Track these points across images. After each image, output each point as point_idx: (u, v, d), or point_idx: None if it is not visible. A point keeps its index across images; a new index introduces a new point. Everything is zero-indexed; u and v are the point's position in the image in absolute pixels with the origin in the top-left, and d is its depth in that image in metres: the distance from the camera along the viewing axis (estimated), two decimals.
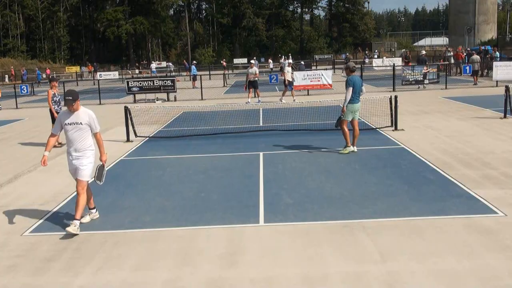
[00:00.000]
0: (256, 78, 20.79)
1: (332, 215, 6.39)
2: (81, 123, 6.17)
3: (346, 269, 4.84)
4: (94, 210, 6.64)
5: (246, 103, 19.80)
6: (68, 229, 5.98)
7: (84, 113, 6.24)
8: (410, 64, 29.38)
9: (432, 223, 5.95)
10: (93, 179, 6.43)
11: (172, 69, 54.74)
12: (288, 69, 21.50)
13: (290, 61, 25.37)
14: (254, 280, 4.70)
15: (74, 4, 75.08)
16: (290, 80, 21.06)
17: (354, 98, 9.85)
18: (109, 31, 71.68)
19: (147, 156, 10.75)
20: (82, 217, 6.32)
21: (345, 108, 9.94)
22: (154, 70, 48.49)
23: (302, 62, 35.19)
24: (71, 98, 6.08)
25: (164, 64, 60.86)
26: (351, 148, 10.07)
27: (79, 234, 6.04)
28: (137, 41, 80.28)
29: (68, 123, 6.19)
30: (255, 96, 20.86)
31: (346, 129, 10.01)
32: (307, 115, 15.61)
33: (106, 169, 6.81)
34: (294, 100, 20.21)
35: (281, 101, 20.21)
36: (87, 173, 6.22)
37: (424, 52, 30.27)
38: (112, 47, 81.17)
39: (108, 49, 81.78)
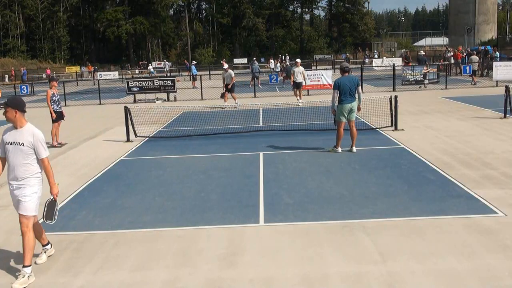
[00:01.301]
0: (233, 82, 19.86)
1: (332, 215, 6.40)
2: (22, 144, 4.87)
3: (346, 269, 4.84)
4: (48, 246, 5.45)
5: (223, 107, 18.90)
6: (14, 285, 4.69)
7: (28, 132, 4.91)
8: (410, 64, 29.38)
9: (432, 223, 5.95)
10: (42, 219, 5.26)
11: (167, 68, 54.56)
12: (293, 70, 21.05)
13: (298, 60, 23.79)
14: (254, 280, 4.70)
15: (74, 4, 75.11)
16: (297, 82, 20.13)
17: (344, 99, 9.86)
18: (109, 31, 71.73)
19: (147, 156, 10.75)
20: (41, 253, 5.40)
21: (332, 110, 10.10)
22: (153, 71, 48.50)
23: (254, 59, 32.99)
24: (2, 103, 4.99)
25: (163, 64, 60.83)
26: (338, 150, 10.12)
27: (80, 234, 6.04)
28: (137, 41, 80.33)
29: (9, 142, 4.93)
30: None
31: (340, 131, 10.05)
32: (307, 115, 15.61)
33: (105, 170, 6.76)
34: (298, 101, 19.80)
35: (300, 102, 19.33)
36: (30, 206, 4.90)
37: (423, 52, 30.21)
38: (112, 47, 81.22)
39: (108, 49, 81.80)
